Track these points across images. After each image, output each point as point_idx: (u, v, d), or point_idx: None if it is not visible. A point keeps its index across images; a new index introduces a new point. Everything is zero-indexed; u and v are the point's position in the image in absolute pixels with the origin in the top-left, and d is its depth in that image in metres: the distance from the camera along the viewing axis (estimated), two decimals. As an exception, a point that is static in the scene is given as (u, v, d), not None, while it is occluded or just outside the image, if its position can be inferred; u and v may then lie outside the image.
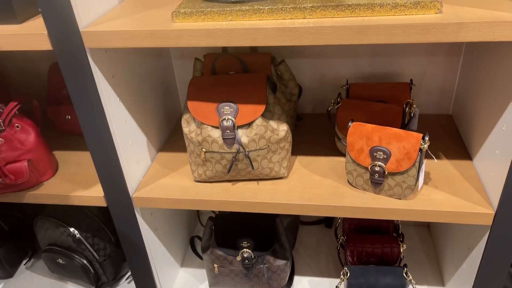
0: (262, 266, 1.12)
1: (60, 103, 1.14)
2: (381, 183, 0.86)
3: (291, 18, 0.69)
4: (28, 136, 0.93)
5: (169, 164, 1.05)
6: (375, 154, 0.84)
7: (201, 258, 1.29)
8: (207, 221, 1.17)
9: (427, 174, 0.93)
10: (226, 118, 0.86)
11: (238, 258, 1.10)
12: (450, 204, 0.84)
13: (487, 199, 0.85)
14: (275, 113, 0.90)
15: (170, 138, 1.16)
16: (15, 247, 1.31)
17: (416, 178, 0.83)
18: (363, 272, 1.06)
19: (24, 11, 0.80)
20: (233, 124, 0.86)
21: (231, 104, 0.87)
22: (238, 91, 0.88)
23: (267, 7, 0.69)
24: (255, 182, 0.96)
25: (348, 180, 0.92)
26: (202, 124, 0.89)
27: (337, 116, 0.98)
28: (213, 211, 1.29)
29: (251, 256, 1.10)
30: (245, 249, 1.10)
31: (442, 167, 0.95)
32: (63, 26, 0.73)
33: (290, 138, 0.94)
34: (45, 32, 0.74)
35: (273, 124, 0.90)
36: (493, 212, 0.82)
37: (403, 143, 0.81)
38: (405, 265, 1.05)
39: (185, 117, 0.92)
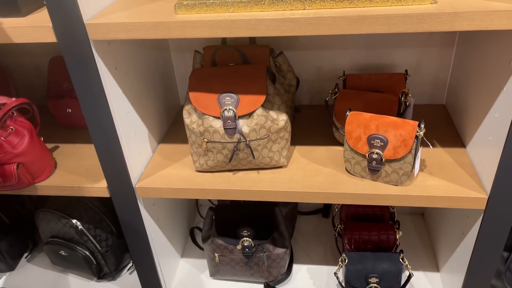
0: (262, 254, 1.14)
1: (61, 96, 1.15)
2: (378, 170, 0.89)
3: (291, 9, 0.71)
4: (22, 139, 0.92)
5: (170, 155, 1.07)
6: (372, 142, 0.87)
7: (201, 248, 1.31)
8: (208, 211, 1.19)
9: (422, 162, 0.96)
10: (227, 108, 0.88)
11: (239, 247, 1.13)
12: (445, 190, 0.87)
13: (480, 184, 0.88)
14: (275, 103, 0.92)
15: (170, 130, 1.18)
16: (16, 240, 1.32)
17: (412, 164, 0.86)
18: (360, 258, 1.09)
19: (28, 4, 0.81)
20: (234, 114, 0.88)
21: (232, 94, 0.89)
22: (239, 82, 0.89)
23: (268, -1, 0.71)
24: (255, 172, 0.98)
25: (346, 168, 0.95)
26: (204, 115, 0.91)
27: (334, 106, 1.00)
28: (212, 203, 1.31)
29: (251, 244, 1.12)
30: (245, 238, 1.12)
31: (436, 155, 0.98)
32: (67, 18, 0.74)
33: (289, 128, 0.96)
34: (50, 24, 0.75)
35: (273, 114, 0.92)
36: (486, 196, 0.85)
37: (399, 130, 0.84)
38: (401, 251, 1.08)
39: (187, 108, 0.94)
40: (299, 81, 1.17)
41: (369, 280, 1.08)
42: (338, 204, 1.25)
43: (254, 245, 1.13)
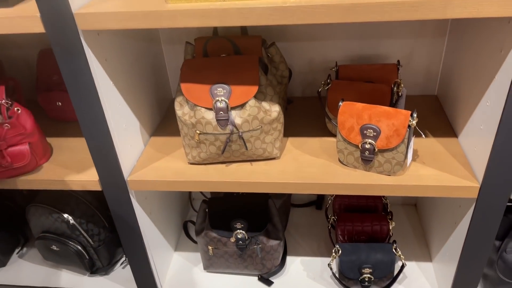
0: (255, 246, 1.14)
1: (50, 89, 1.14)
2: (371, 160, 0.89)
3: (284, -2, 0.71)
4: (29, 119, 0.93)
5: (162, 147, 1.06)
6: (365, 132, 0.87)
7: (194, 242, 1.31)
8: (201, 204, 1.18)
9: (415, 152, 0.96)
10: (220, 99, 0.88)
11: (232, 239, 1.13)
12: (437, 179, 0.87)
13: (473, 173, 0.88)
14: (268, 94, 0.92)
15: (161, 123, 1.17)
16: (7, 235, 1.31)
17: (405, 154, 0.86)
18: (354, 249, 1.10)
19: (15, -7, 0.79)
20: (227, 106, 0.88)
21: (224, 85, 0.88)
22: (231, 72, 0.89)
23: (260, -13, 0.70)
24: (248, 163, 0.98)
25: (339, 159, 0.95)
26: (196, 106, 0.90)
27: (327, 97, 1.00)
28: (205, 196, 1.31)
29: (245, 237, 1.12)
30: (238, 230, 1.12)
31: (429, 145, 0.98)
32: (56, 8, 0.73)
33: (282, 119, 0.95)
34: (38, 14, 0.74)
35: (265, 105, 0.91)
36: (478, 185, 0.85)
37: (392, 120, 0.84)
38: (394, 241, 1.08)
39: (178, 99, 0.93)
40: (292, 73, 1.17)
41: (363, 270, 1.08)
42: (331, 196, 1.25)
43: (248, 238, 1.13)
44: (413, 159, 0.94)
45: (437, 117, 1.10)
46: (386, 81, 1.02)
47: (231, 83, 0.88)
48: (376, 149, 0.87)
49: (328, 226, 1.25)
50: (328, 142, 1.03)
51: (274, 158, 0.99)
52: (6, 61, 1.28)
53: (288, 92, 1.25)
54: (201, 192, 1.31)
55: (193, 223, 1.22)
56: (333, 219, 1.21)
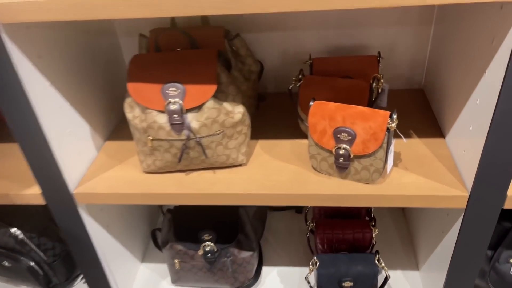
0: (226, 259, 1.04)
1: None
2: (347, 168, 0.79)
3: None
4: None
5: (117, 154, 0.96)
6: (339, 135, 0.77)
7: (163, 252, 1.21)
8: (166, 213, 1.09)
9: (397, 155, 0.87)
10: (172, 101, 0.77)
11: (200, 252, 1.03)
12: (421, 188, 0.78)
13: (461, 180, 0.79)
14: (229, 94, 0.81)
15: (119, 126, 1.06)
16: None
17: (384, 160, 0.76)
18: (333, 260, 1.00)
19: None
20: (181, 108, 0.77)
21: (178, 84, 0.78)
22: (185, 69, 0.78)
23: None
24: (211, 171, 0.88)
25: (312, 165, 0.85)
26: (146, 109, 0.79)
27: (299, 94, 0.90)
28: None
29: (214, 249, 1.03)
30: (206, 242, 1.03)
31: (413, 147, 0.89)
32: (-35, -3, 0.61)
33: (248, 121, 0.85)
34: None
35: (227, 106, 0.81)
36: (467, 194, 0.76)
37: (369, 122, 0.74)
38: (377, 252, 0.99)
39: (128, 101, 0.82)
40: (263, 67, 1.06)
41: (343, 284, 1.00)
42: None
43: (217, 250, 1.03)
44: (395, 164, 0.84)
45: (423, 114, 1.00)
46: (366, 75, 0.91)
47: (186, 81, 0.78)
48: (352, 155, 0.77)
49: (307, 234, 1.15)
50: (301, 145, 0.93)
51: (240, 165, 0.89)
52: None
53: (260, 87, 1.14)
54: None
55: (159, 233, 1.12)
56: (312, 225, 1.12)
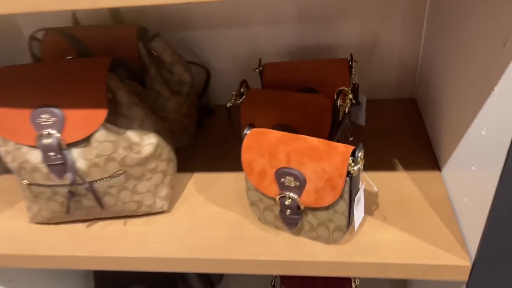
0: (162, 322, 0.83)
1: None
2: (296, 223, 0.57)
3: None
4: None
5: (7, 194, 0.74)
6: (282, 180, 0.54)
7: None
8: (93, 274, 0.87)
9: (372, 197, 0.64)
10: (45, 132, 0.55)
11: (128, 313, 0.81)
12: (404, 251, 0.55)
13: (461, 240, 0.56)
14: (134, 119, 0.59)
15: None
16: None
17: (347, 215, 0.53)
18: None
19: None
20: (58, 142, 0.55)
21: (53, 109, 0.55)
22: (65, 88, 0.56)
23: None
24: (121, 221, 0.66)
25: (255, 214, 0.63)
26: (16, 144, 0.57)
27: (241, 114, 0.67)
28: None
29: (145, 310, 0.81)
30: (136, 302, 0.81)
31: (396, 184, 0.66)
32: None
33: (167, 154, 0.63)
34: None
35: (131, 136, 0.59)
36: (469, 264, 0.53)
37: (322, 163, 0.51)
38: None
39: (-4, 131, 0.60)
40: (209, 74, 0.84)
41: None
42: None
43: (150, 310, 0.82)
44: (369, 212, 0.62)
45: (414, 134, 0.77)
46: (334, 85, 0.69)
47: (65, 105, 0.56)
48: (302, 207, 0.54)
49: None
50: (247, 181, 0.70)
51: (162, 212, 0.67)
52: None
53: (210, 99, 0.92)
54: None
55: None
56: None
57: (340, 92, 0.62)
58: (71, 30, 0.65)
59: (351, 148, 0.51)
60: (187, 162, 0.77)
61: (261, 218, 0.62)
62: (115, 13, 0.72)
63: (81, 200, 0.60)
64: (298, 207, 0.55)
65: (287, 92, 0.66)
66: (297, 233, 0.59)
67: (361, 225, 0.60)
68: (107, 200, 0.60)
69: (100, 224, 0.66)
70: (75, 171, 0.56)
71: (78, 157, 0.56)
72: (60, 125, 0.55)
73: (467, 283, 0.55)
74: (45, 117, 0.55)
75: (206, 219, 0.65)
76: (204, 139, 0.83)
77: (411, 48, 0.81)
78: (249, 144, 0.56)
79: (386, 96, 0.88)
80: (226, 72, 0.89)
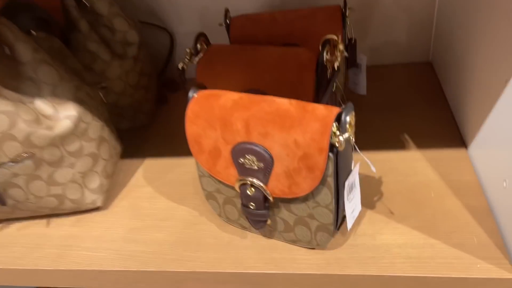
0: None
1: None
2: (264, 221, 0.41)
3: None
4: None
5: None
6: (241, 160, 0.39)
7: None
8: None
9: (371, 186, 0.48)
10: None
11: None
12: (418, 258, 0.40)
13: (499, 241, 0.40)
14: (42, 83, 0.44)
15: None
16: None
17: (333, 209, 0.37)
18: None
19: None
20: None
21: None
22: None
23: None
24: (43, 222, 0.51)
25: (214, 210, 0.47)
26: None
27: (196, 78, 0.52)
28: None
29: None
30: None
31: (407, 167, 0.50)
32: None
33: (96, 132, 0.48)
34: None
35: (40, 107, 0.44)
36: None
37: (294, 133, 0.35)
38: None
39: None
40: (173, 39, 0.69)
41: None
42: None
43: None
44: (370, 204, 0.46)
45: (429, 104, 0.61)
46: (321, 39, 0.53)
47: None
48: (271, 198, 0.39)
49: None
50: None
51: (97, 209, 0.52)
52: None
53: (174, 68, 0.77)
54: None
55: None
56: None
57: (326, 43, 0.46)
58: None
59: (336, 110, 0.35)
60: (139, 145, 0.62)
61: (222, 214, 0.46)
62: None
63: (-24, 195, 0.45)
64: (266, 199, 0.40)
65: (257, 46, 0.50)
66: (269, 234, 0.44)
67: (357, 222, 0.44)
68: (14, 193, 0.45)
69: (16, 226, 0.51)
70: (-41, 154, 0.42)
71: (-37, 135, 0.42)
72: None
73: (511, 303, 0.39)
74: None
75: (153, 218, 0.49)
76: (165, 118, 0.68)
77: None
78: (195, 111, 0.40)
79: (394, 59, 0.72)
80: (189, 34, 0.73)
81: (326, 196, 0.37)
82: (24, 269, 0.46)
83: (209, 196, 0.46)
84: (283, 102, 0.37)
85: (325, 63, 0.46)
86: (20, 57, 0.43)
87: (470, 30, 0.49)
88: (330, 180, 0.36)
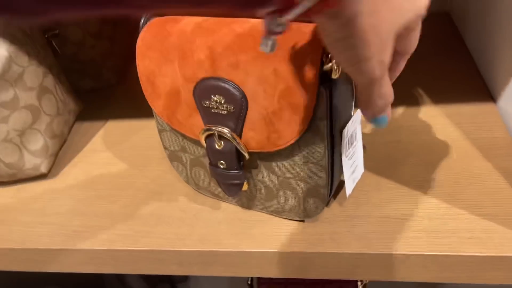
0: None
1: None
2: (239, 186, 0.32)
3: None
4: None
5: None
6: (206, 102, 0.30)
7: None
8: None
9: (379, 143, 0.39)
10: None
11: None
12: (437, 230, 0.31)
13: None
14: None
15: None
16: None
17: (326, 165, 0.29)
18: None
19: None
20: None
21: None
22: None
23: None
24: (-24, 192, 0.42)
25: (181, 175, 0.38)
26: None
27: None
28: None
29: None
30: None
31: (422, 124, 0.41)
32: None
33: (36, 80, 0.39)
34: None
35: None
36: None
37: (272, 59, 0.26)
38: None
39: None
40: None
41: None
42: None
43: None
44: (375, 164, 0.37)
45: (448, 55, 0.51)
46: None
47: None
48: (246, 154, 0.30)
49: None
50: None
51: (43, 176, 0.43)
52: None
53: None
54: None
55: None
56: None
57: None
58: None
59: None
60: (102, 106, 0.53)
61: (190, 181, 0.37)
62: None
63: None
64: (239, 155, 0.31)
65: None
66: (247, 204, 0.35)
67: (358, 189, 0.35)
68: None
69: None
70: None
71: None
72: None
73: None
74: None
75: (108, 187, 0.41)
76: (137, 76, 0.59)
77: None
78: (147, 41, 0.31)
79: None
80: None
81: (317, 147, 0.28)
82: None
83: (173, 157, 0.37)
84: (259, 21, 0.28)
85: None
86: None
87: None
88: (322, 126, 0.27)
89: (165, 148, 0.37)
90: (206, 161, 0.34)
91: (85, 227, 0.37)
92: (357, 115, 0.31)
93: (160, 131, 0.36)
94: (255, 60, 0.27)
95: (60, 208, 0.40)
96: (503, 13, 0.40)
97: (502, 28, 0.40)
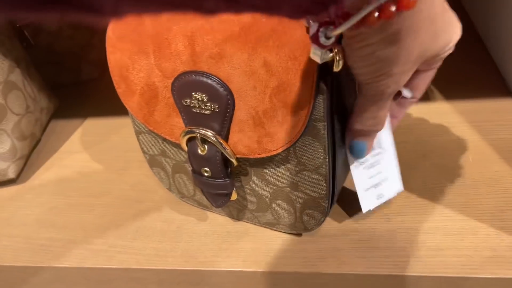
0: None
1: None
2: (227, 196, 0.28)
3: None
4: None
5: None
6: (186, 100, 0.25)
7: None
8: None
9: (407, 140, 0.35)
10: None
11: None
12: (455, 247, 0.27)
13: None
14: None
15: None
16: None
17: (327, 173, 0.25)
18: None
19: None
20: None
21: None
22: None
23: None
24: None
25: (162, 182, 0.34)
26: None
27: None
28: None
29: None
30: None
31: (434, 122, 0.37)
32: None
33: (3, 74, 0.35)
34: None
35: None
36: None
37: (262, 49, 0.22)
38: None
39: None
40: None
41: None
42: None
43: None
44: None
45: (458, 42, 0.47)
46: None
47: None
48: (233, 160, 0.26)
49: None
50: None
51: (13, 181, 0.39)
52: None
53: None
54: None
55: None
56: None
57: None
58: None
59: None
60: (81, 103, 0.49)
61: (173, 188, 0.33)
62: None
63: None
64: (226, 161, 0.27)
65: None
66: (237, 215, 0.31)
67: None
68: None
69: None
70: None
71: None
72: None
73: None
74: None
75: (82, 193, 0.37)
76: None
77: None
78: (118, 31, 0.27)
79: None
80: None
81: (316, 153, 0.24)
82: None
83: (153, 162, 0.33)
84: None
85: None
86: None
87: None
88: (322, 128, 0.23)
89: (143, 152, 0.33)
90: (189, 167, 0.30)
91: (53, 240, 0.33)
92: (386, 122, 0.26)
93: (137, 133, 0.32)
94: (241, 51, 0.23)
95: (27, 218, 0.36)
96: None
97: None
